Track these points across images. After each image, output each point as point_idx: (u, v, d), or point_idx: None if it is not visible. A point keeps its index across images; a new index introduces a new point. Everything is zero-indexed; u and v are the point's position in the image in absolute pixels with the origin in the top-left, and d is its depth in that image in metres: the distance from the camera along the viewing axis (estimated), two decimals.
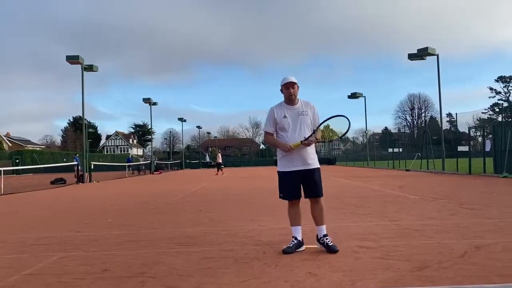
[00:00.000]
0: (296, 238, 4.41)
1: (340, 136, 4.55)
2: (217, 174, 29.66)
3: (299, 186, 4.46)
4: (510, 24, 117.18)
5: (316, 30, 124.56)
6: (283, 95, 4.49)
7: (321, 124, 4.47)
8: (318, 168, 4.50)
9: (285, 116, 4.40)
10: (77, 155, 24.63)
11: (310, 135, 4.34)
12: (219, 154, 34.93)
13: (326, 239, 4.37)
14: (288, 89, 4.38)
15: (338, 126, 4.52)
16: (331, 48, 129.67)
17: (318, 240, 4.46)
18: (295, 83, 4.40)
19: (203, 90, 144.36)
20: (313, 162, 4.45)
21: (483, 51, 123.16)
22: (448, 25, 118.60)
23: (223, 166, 33.85)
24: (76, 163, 24.29)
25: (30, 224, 7.19)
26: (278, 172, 4.56)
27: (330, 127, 4.54)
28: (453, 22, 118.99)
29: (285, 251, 4.30)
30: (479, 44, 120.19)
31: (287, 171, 4.44)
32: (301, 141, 4.30)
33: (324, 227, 4.44)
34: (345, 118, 4.48)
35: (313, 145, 4.49)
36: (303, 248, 4.42)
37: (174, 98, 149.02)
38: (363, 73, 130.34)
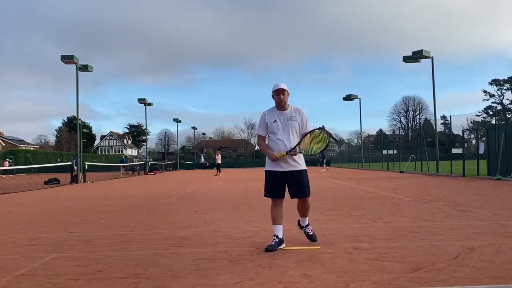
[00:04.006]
0: (277, 237, 4.61)
1: (318, 152, 4.72)
2: (216, 175, 29.27)
3: (283, 187, 4.66)
4: (506, 28, 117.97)
5: (315, 32, 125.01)
6: (274, 100, 4.72)
7: (304, 136, 4.66)
8: (305, 170, 4.71)
9: (275, 121, 4.65)
10: (77, 155, 24.34)
11: (295, 147, 4.56)
12: (219, 155, 33.02)
13: (308, 228, 4.88)
14: (278, 95, 4.61)
15: (318, 142, 4.69)
16: (329, 50, 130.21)
17: (300, 226, 4.96)
18: (285, 90, 4.63)
19: (200, 91, 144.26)
20: (298, 164, 4.67)
21: (478, 54, 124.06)
22: (446, 28, 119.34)
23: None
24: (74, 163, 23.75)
25: (23, 225, 7.14)
26: (265, 171, 4.83)
27: (311, 142, 4.69)
28: (451, 25, 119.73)
29: (267, 249, 4.50)
30: (474, 47, 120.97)
31: (272, 170, 4.69)
32: (286, 152, 4.54)
33: (306, 218, 4.88)
34: (325, 135, 4.68)
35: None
36: (283, 245, 4.63)
37: (171, 99, 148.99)
38: (360, 75, 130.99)
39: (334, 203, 9.11)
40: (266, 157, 4.76)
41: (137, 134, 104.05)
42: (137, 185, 20.12)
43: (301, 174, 4.65)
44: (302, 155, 4.73)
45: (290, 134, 4.63)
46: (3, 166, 39.00)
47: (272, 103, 4.75)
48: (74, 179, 22.19)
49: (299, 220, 4.99)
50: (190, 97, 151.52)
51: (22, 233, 6.23)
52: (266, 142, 4.77)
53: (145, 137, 79.71)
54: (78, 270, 3.95)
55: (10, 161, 46.84)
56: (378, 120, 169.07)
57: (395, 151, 37.10)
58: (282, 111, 4.68)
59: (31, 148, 67.90)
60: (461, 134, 22.53)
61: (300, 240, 5.02)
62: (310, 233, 4.86)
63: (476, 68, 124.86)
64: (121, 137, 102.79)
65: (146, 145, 58.61)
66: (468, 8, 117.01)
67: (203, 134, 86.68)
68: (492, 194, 10.59)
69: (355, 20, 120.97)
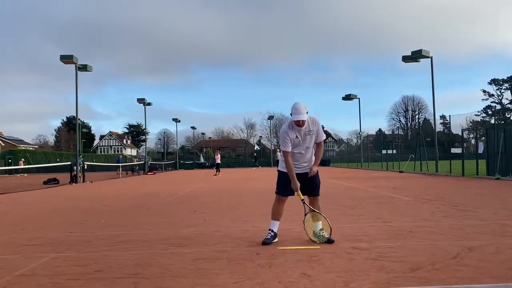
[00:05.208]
0: (272, 231, 4.97)
1: (310, 238, 4.91)
2: (215, 175, 29.23)
3: None
4: (506, 28, 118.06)
5: (315, 32, 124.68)
6: (292, 118, 4.95)
7: (316, 214, 4.93)
8: (317, 172, 5.10)
9: (297, 137, 4.98)
10: (81, 156, 24.23)
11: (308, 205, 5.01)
12: (219, 155, 33.17)
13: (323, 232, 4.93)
14: (299, 122, 4.86)
15: (318, 232, 4.88)
16: (329, 50, 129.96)
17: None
18: (305, 121, 4.89)
19: (200, 91, 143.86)
20: (311, 167, 5.04)
21: (478, 54, 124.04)
22: (446, 28, 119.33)
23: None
24: (80, 163, 23.50)
25: (22, 225, 7.13)
26: (278, 170, 5.18)
27: (313, 227, 4.93)
28: (451, 25, 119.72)
29: (265, 242, 4.83)
30: (474, 47, 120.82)
31: (286, 172, 4.98)
32: (302, 200, 4.97)
33: (320, 223, 4.96)
34: (326, 230, 4.85)
35: (312, 153, 5.07)
36: (276, 239, 4.96)
37: (171, 99, 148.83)
38: (360, 75, 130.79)
39: (333, 203, 9.10)
40: (280, 159, 5.15)
41: (136, 134, 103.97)
42: (137, 185, 20.11)
43: (315, 175, 5.05)
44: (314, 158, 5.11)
45: (307, 147, 5.00)
46: (19, 165, 39.62)
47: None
48: (74, 179, 22.18)
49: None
50: (190, 97, 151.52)
51: (21, 233, 6.22)
52: None
53: (144, 137, 79.59)
54: (77, 270, 3.95)
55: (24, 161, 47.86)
56: (377, 120, 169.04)
57: (394, 151, 37.12)
58: (300, 127, 4.96)
59: (31, 148, 67.84)
60: (461, 134, 22.56)
61: (299, 240, 5.03)
62: (327, 236, 4.89)
63: (476, 68, 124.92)
64: (120, 137, 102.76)
65: (146, 145, 58.47)
66: (468, 8, 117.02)
67: (203, 134, 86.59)
68: (491, 194, 10.59)
69: (355, 20, 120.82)
